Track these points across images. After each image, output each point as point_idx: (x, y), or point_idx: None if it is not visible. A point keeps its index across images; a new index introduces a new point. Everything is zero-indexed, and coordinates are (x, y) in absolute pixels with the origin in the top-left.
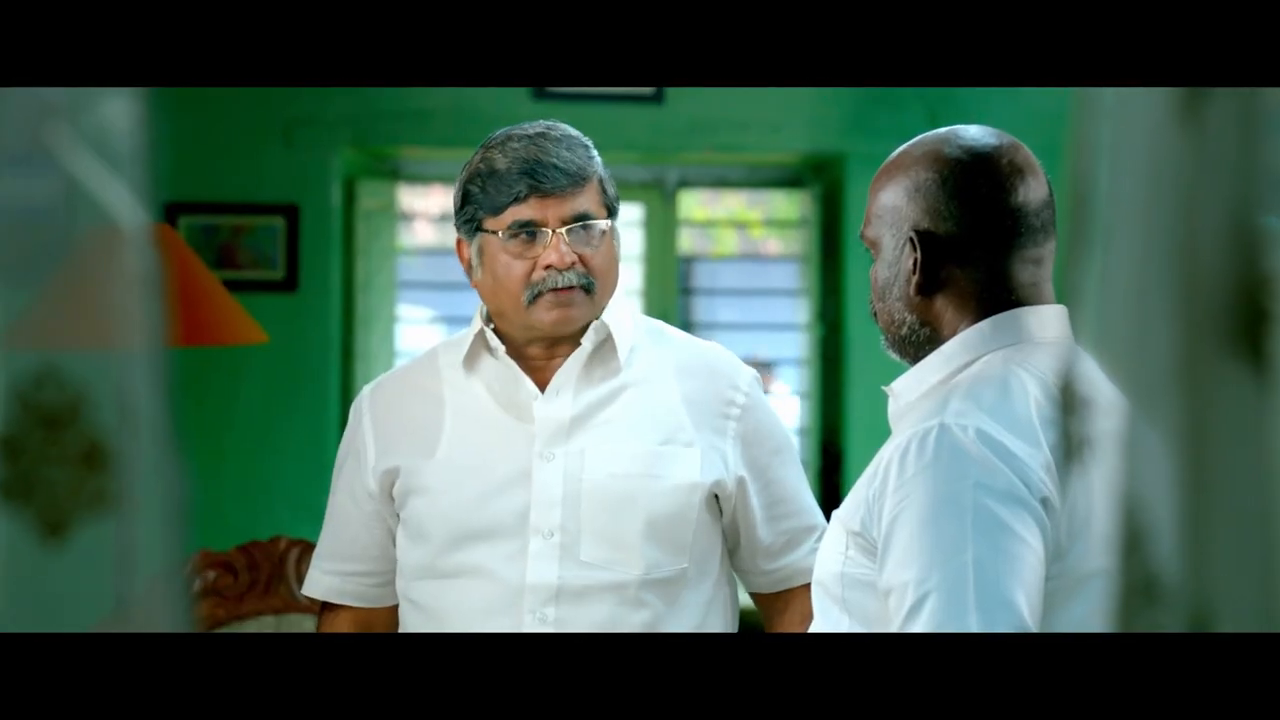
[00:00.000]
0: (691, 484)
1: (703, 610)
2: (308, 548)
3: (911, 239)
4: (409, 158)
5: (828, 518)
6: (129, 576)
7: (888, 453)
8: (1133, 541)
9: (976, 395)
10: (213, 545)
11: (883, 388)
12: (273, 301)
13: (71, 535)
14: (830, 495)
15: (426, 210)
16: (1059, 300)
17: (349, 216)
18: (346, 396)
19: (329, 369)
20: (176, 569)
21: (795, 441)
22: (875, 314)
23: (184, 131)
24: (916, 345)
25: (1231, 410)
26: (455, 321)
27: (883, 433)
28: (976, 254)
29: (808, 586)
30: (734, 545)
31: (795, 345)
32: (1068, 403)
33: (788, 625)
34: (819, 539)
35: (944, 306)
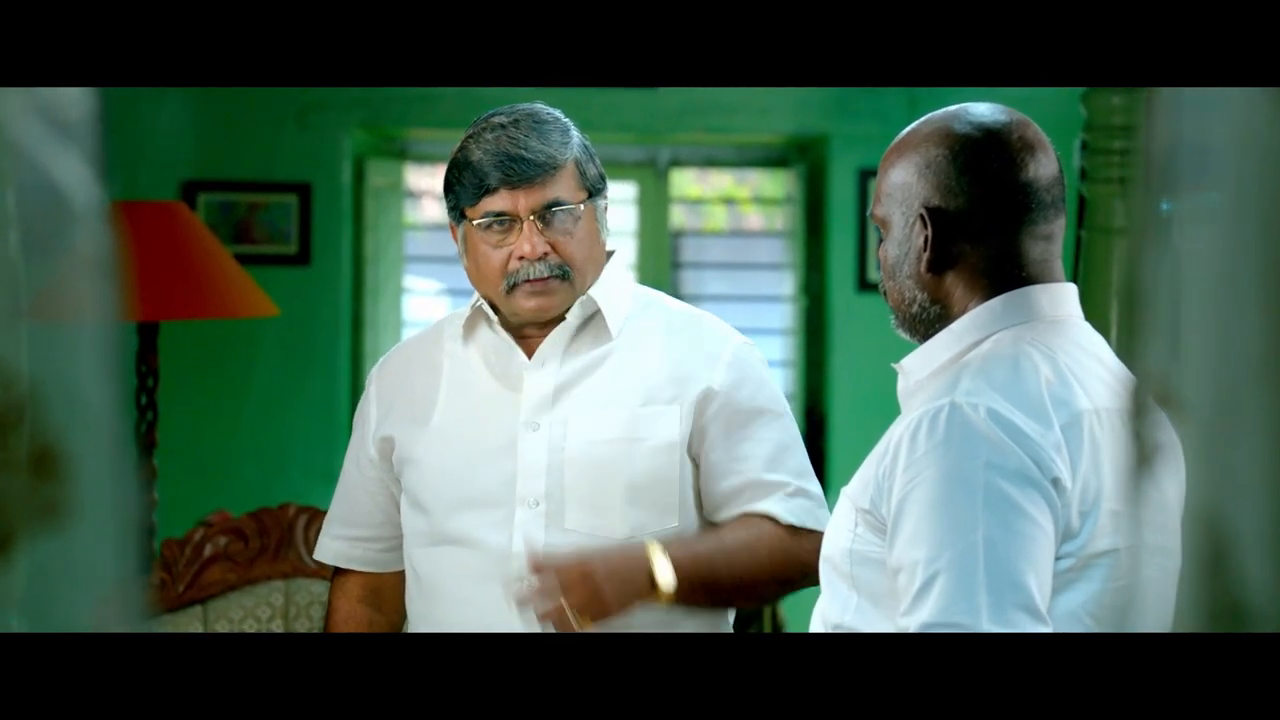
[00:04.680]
0: (670, 443)
1: None
2: (315, 514)
3: (922, 216)
4: (416, 138)
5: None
6: (81, 594)
7: (898, 431)
8: (1215, 562)
9: (988, 374)
10: (230, 509)
11: (892, 365)
12: (286, 274)
13: (19, 550)
14: (815, 460)
15: (433, 188)
16: (1131, 289)
17: (359, 194)
18: (357, 365)
19: (340, 338)
20: (131, 584)
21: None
22: (885, 292)
23: (203, 114)
24: (927, 323)
25: None
26: (459, 293)
27: (863, 400)
28: (987, 230)
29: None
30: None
31: (780, 316)
32: (1139, 405)
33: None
34: (792, 494)
35: (954, 284)
